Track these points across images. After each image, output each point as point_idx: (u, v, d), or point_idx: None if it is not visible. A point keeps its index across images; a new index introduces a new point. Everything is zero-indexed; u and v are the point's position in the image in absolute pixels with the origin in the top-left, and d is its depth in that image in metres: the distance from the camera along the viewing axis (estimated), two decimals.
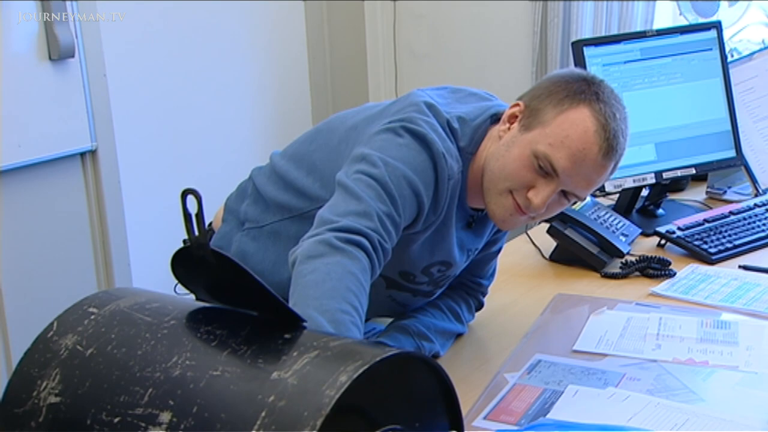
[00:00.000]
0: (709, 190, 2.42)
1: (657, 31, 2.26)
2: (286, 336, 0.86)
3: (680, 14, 2.93)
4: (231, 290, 0.92)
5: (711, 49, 2.27)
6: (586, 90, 1.40)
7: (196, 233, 0.86)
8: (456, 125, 1.46)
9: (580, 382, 1.44)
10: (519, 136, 1.42)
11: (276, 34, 3.31)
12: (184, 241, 0.90)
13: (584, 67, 2.10)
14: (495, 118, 1.49)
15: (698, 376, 1.47)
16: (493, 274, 1.74)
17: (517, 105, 1.45)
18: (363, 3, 3.52)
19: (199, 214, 0.85)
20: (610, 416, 1.34)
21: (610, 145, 1.39)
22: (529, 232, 2.18)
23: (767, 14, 2.87)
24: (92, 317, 0.92)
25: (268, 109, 3.31)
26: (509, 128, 1.44)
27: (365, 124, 1.50)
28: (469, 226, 1.57)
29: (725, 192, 2.40)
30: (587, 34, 2.92)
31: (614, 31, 2.90)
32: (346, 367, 0.79)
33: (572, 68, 1.60)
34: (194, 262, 0.88)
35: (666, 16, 2.98)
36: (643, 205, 2.28)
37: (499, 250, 1.72)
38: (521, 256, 2.06)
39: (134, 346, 0.87)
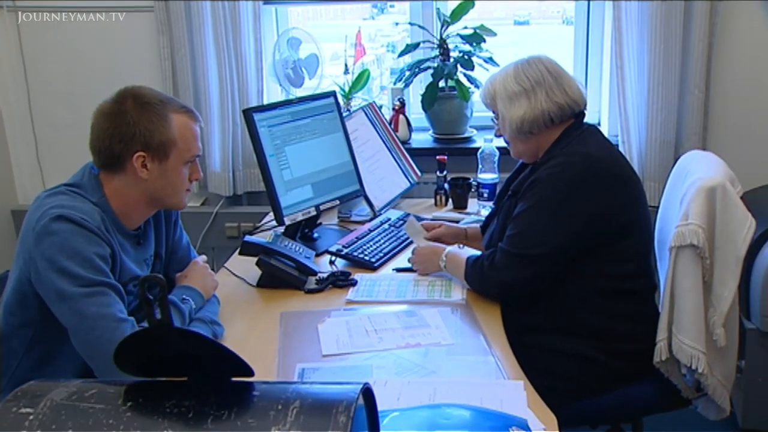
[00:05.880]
0: (339, 215, 2.56)
1: (298, 98, 2.35)
2: (255, 393, 0.76)
3: (281, 86, 3.04)
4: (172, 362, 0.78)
5: (332, 111, 2.41)
6: (151, 105, 1.55)
7: (159, 317, 0.72)
8: (76, 190, 1.57)
9: (345, 381, 1.45)
10: (165, 165, 1.57)
11: None
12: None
13: (256, 129, 2.10)
14: (94, 172, 1.60)
15: (420, 355, 1.58)
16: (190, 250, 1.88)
17: (140, 156, 1.55)
18: None
19: (164, 299, 0.72)
20: (382, 401, 1.37)
21: (195, 115, 1.63)
22: (227, 264, 2.12)
23: (336, 83, 3.12)
24: (31, 418, 0.72)
25: None
26: (147, 169, 1.56)
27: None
28: (138, 244, 1.67)
29: (351, 215, 2.56)
30: (215, 105, 2.91)
31: (237, 99, 2.92)
32: (338, 408, 0.73)
33: (111, 110, 1.57)
34: (149, 345, 0.74)
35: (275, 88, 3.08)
36: (302, 232, 2.34)
37: (182, 235, 1.86)
38: (231, 288, 1.97)
39: None
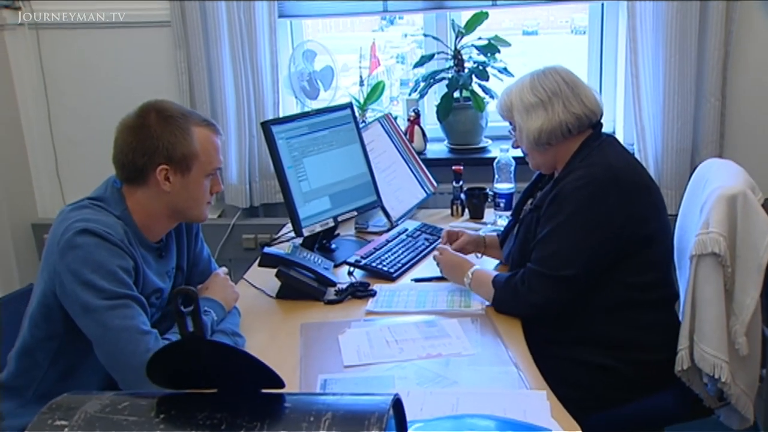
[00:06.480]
0: (356, 226, 2.56)
1: (315, 110, 2.36)
2: (286, 404, 0.76)
3: (296, 98, 3.06)
4: (202, 374, 0.78)
5: (349, 123, 2.42)
6: (173, 119, 1.55)
7: (191, 329, 0.72)
8: (99, 204, 1.56)
9: (368, 392, 1.45)
10: (187, 178, 1.57)
11: None
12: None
13: (274, 142, 2.11)
14: (117, 185, 1.60)
15: (441, 365, 1.57)
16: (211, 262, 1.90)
17: (163, 169, 1.55)
18: (16, 100, 3.10)
19: (196, 311, 0.72)
20: (408, 412, 1.37)
21: (216, 128, 1.64)
22: (246, 276, 2.12)
23: (350, 95, 3.13)
24: (66, 430, 0.72)
25: None
26: (170, 182, 1.56)
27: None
28: (160, 256, 1.67)
29: (368, 226, 2.56)
30: (232, 118, 2.93)
31: (253, 112, 2.94)
32: (371, 420, 0.73)
33: (134, 124, 1.56)
34: (181, 357, 0.74)
35: (291, 101, 3.09)
36: (320, 243, 2.34)
37: (203, 248, 1.87)
38: (251, 300, 1.98)
39: None
